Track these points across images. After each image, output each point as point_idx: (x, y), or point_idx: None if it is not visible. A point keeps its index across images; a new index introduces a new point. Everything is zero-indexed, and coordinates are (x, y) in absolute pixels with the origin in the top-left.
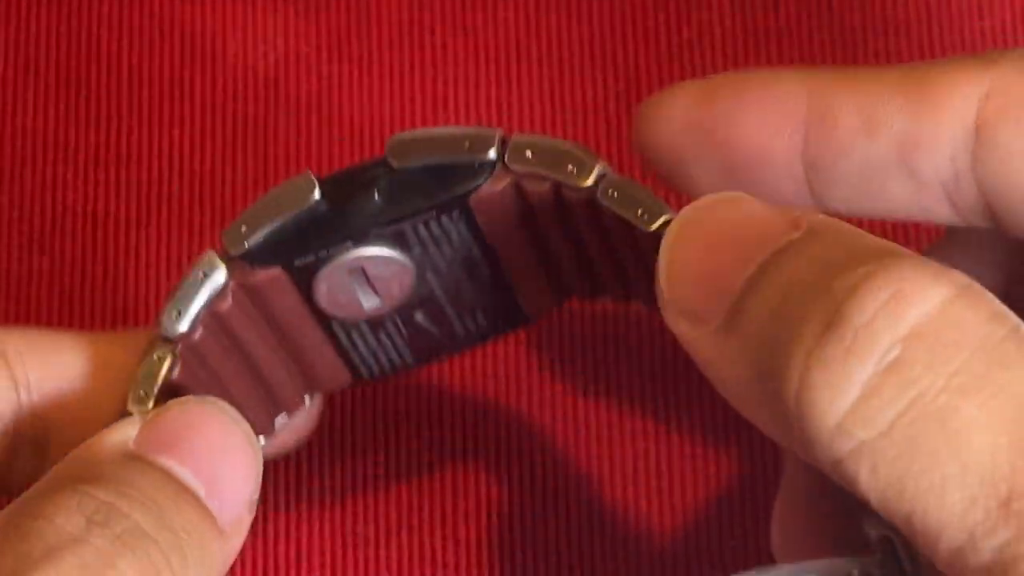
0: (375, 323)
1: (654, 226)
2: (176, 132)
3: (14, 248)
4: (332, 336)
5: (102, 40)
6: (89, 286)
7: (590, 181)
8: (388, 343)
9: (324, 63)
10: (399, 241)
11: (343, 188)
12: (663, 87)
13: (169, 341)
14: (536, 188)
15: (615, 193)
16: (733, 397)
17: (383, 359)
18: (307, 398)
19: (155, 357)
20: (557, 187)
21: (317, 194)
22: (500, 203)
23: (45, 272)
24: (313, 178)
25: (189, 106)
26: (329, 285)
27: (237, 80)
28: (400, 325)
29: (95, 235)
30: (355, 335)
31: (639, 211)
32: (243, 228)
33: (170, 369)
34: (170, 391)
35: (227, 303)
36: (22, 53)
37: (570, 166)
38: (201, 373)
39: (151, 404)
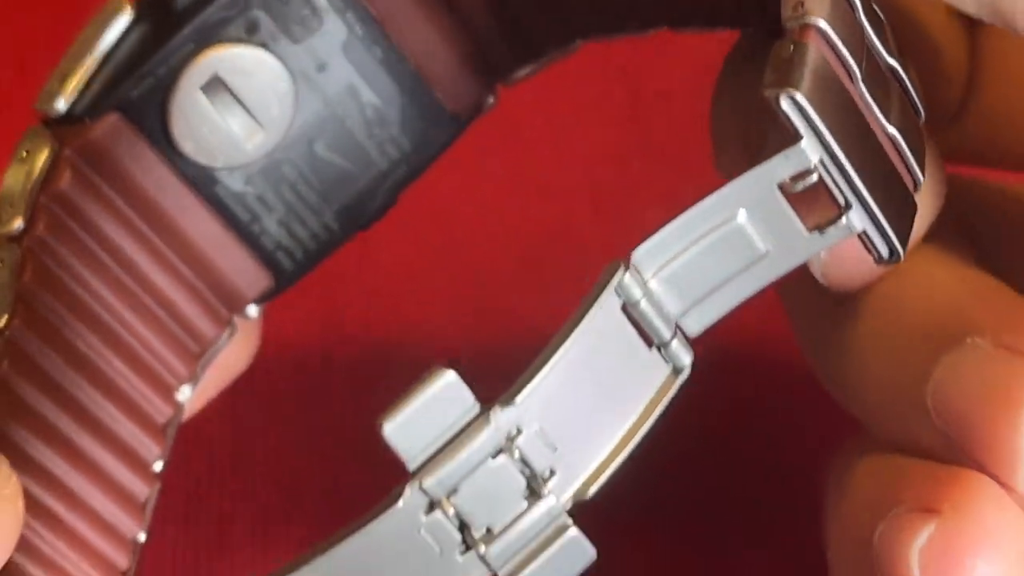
0: (268, 172)
1: None
2: None
3: None
4: (221, 208)
5: None
6: None
7: None
8: (295, 200)
9: None
10: (252, 31)
11: None
12: None
13: (11, 241)
14: None
15: None
16: None
17: (299, 229)
18: (229, 324)
19: None
20: None
21: (128, 11)
22: None
23: None
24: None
25: None
26: (185, 115)
27: None
28: (301, 167)
29: None
30: (250, 199)
31: None
32: (56, 83)
33: (16, 273)
34: (27, 300)
35: (65, 177)
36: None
37: None
38: (58, 278)
39: (3, 321)
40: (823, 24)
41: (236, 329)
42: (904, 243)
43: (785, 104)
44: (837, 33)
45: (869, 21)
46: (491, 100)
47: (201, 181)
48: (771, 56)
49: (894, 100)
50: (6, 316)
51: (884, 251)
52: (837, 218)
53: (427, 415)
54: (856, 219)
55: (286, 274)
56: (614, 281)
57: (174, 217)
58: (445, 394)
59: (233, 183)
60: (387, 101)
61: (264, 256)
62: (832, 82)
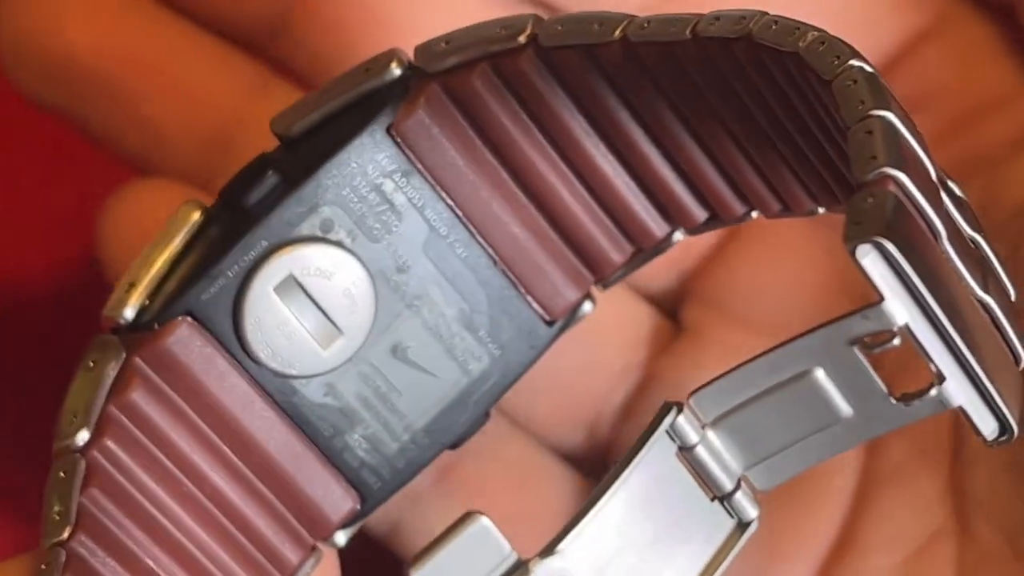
0: (349, 382)
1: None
2: None
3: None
4: (300, 422)
5: None
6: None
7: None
8: (380, 413)
9: None
10: (327, 229)
11: (233, 194)
12: None
13: (75, 453)
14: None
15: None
16: None
17: (385, 445)
18: (314, 551)
19: (60, 473)
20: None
21: (198, 214)
22: (432, 121)
23: (41, 273)
24: (193, 202)
25: None
26: (258, 318)
27: None
28: (385, 376)
29: None
30: (331, 411)
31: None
32: (126, 289)
33: (81, 486)
34: (91, 514)
35: (133, 386)
36: None
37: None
38: (126, 491)
39: (66, 532)
40: (901, 175)
41: (321, 557)
42: (1017, 418)
43: (869, 257)
44: (916, 186)
45: (945, 191)
46: (588, 305)
47: (278, 391)
48: (848, 209)
49: (982, 269)
50: (69, 528)
51: (991, 429)
52: (927, 389)
53: (458, 564)
54: (954, 392)
55: (373, 495)
56: (666, 422)
57: (249, 430)
58: (478, 541)
59: (312, 394)
60: (473, 304)
61: (348, 474)
62: (918, 235)
